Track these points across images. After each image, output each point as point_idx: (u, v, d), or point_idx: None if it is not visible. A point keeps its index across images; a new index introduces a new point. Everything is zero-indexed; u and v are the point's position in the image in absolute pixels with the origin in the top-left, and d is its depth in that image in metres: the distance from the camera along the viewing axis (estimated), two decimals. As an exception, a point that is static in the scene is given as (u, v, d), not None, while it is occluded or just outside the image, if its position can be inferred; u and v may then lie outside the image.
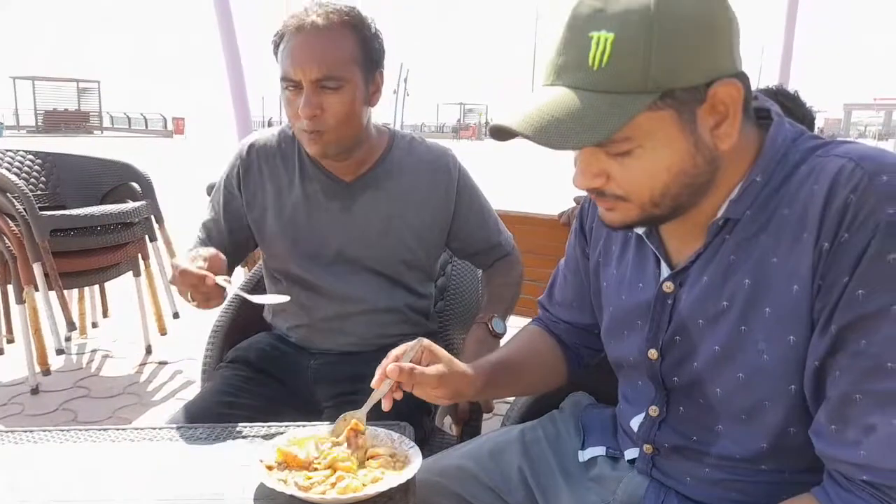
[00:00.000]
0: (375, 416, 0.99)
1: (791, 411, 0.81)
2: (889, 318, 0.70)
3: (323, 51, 1.30)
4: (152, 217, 3.28)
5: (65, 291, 2.92)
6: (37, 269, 2.78)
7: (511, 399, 1.40)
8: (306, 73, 1.30)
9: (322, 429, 1.03)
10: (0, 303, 3.10)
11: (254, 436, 1.08)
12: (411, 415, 1.08)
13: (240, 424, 1.12)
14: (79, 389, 2.98)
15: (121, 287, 3.65)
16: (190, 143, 31.68)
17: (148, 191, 3.29)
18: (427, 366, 0.97)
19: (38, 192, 3.19)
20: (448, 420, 1.52)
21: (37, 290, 2.82)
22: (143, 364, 3.31)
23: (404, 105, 38.87)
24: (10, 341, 3.29)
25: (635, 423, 1.00)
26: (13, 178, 2.81)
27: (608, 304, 1.04)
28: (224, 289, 1.17)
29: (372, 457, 0.96)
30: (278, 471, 0.92)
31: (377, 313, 1.51)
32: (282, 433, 1.03)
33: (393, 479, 0.89)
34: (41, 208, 2.84)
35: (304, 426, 1.06)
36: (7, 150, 3.22)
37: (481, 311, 1.53)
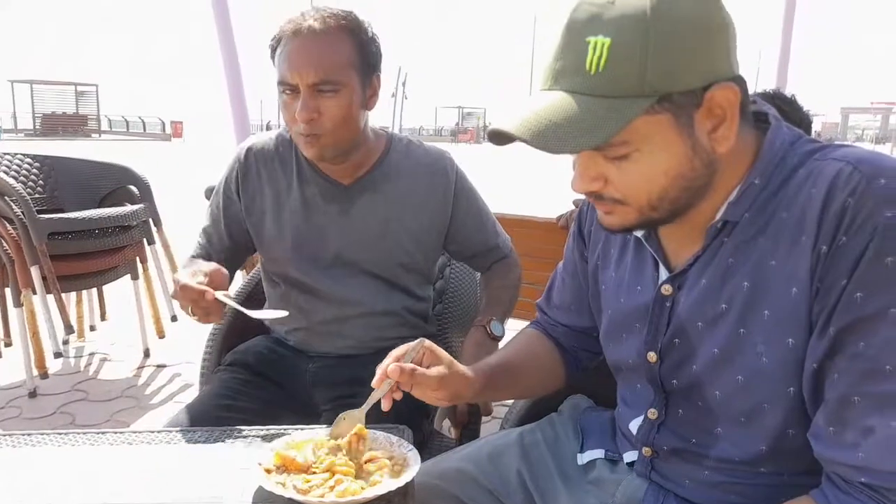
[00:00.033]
0: (374, 418, 0.98)
1: (790, 414, 0.81)
2: (887, 321, 0.70)
3: (320, 55, 1.31)
4: (150, 220, 3.27)
5: (62, 295, 2.91)
6: (34, 272, 2.77)
7: (510, 402, 1.40)
8: (303, 77, 1.30)
9: (321, 432, 1.03)
10: (-3, 306, 3.10)
11: (252, 437, 1.08)
12: (410, 418, 1.08)
13: (238, 427, 1.12)
14: (77, 393, 2.98)
15: (119, 290, 3.64)
16: (188, 147, 31.68)
17: (146, 194, 3.29)
18: (428, 367, 0.96)
19: (36, 196, 3.19)
20: (447, 423, 1.52)
21: (34, 293, 2.81)
22: (141, 367, 3.30)
23: (402, 109, 38.90)
24: (8, 345, 3.29)
25: (634, 425, 1.00)
26: (11, 181, 2.81)
27: (607, 307, 1.04)
28: (224, 304, 1.18)
29: (370, 460, 0.95)
30: (277, 474, 0.92)
31: (375, 316, 1.51)
32: (280, 436, 1.03)
33: (391, 482, 0.89)
34: (39, 211, 2.83)
35: (302, 429, 1.06)
36: (5, 154, 3.22)
37: (480, 313, 1.53)
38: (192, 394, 2.84)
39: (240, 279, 1.97)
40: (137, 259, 3.28)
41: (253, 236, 1.55)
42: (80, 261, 2.98)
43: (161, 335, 3.52)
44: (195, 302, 1.17)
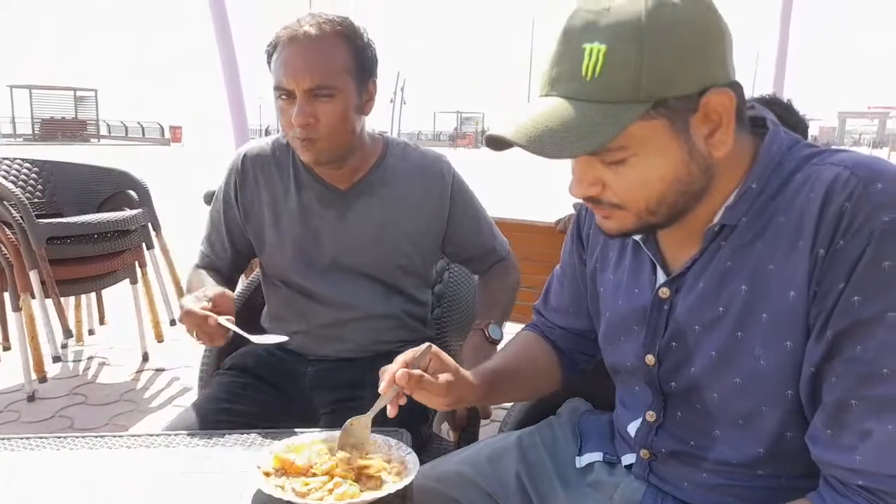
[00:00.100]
0: (374, 421, 0.98)
1: (788, 416, 0.81)
2: (884, 325, 0.70)
3: (316, 61, 1.32)
4: (149, 225, 3.28)
5: (61, 299, 2.91)
6: (33, 276, 2.77)
7: (508, 405, 1.41)
8: (299, 83, 1.31)
9: (319, 435, 1.03)
10: (-4, 310, 3.10)
11: (251, 442, 1.08)
12: (409, 421, 1.08)
13: (237, 431, 1.12)
14: (75, 396, 2.98)
15: (118, 294, 3.64)
16: (187, 152, 31.68)
17: (145, 199, 3.29)
18: (434, 373, 0.96)
19: (35, 200, 3.19)
20: (445, 426, 1.52)
21: (33, 297, 2.81)
22: (139, 371, 3.30)
23: (401, 114, 38.95)
24: (7, 349, 3.28)
25: (632, 428, 1.00)
26: (10, 186, 2.81)
27: (605, 310, 1.04)
28: (228, 329, 1.21)
29: (365, 468, 0.95)
30: (276, 477, 0.92)
31: (374, 320, 1.52)
32: (279, 440, 1.03)
33: (390, 485, 0.89)
34: (38, 216, 2.83)
35: (301, 432, 1.06)
36: (4, 159, 3.22)
37: (477, 317, 1.53)
38: (191, 397, 2.83)
39: (239, 283, 1.97)
40: (136, 263, 3.28)
41: (253, 242, 1.55)
42: (78, 265, 2.97)
43: (160, 339, 3.51)
44: (199, 326, 1.20)
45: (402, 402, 0.95)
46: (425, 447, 1.42)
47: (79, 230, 2.90)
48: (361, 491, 0.89)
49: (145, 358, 3.43)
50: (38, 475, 0.98)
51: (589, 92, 0.75)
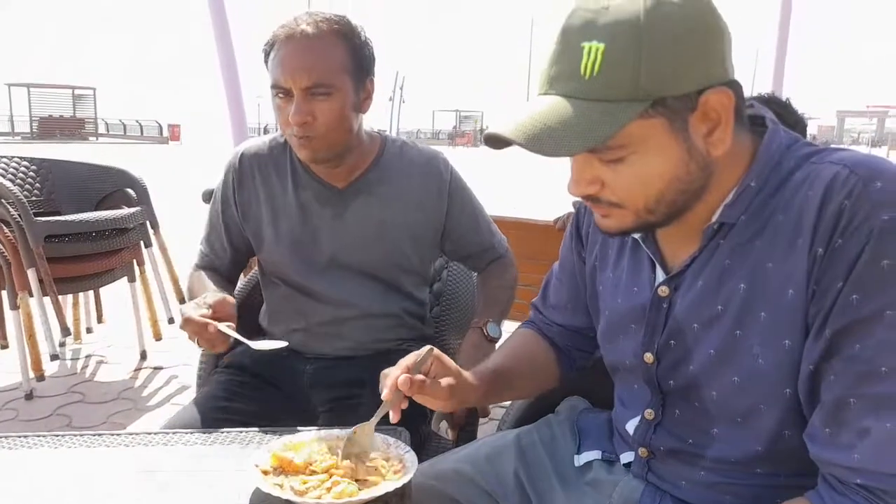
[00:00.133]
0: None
1: (786, 415, 0.82)
2: (883, 323, 0.70)
3: (313, 59, 1.31)
4: (147, 223, 3.27)
5: (59, 297, 2.91)
6: (31, 274, 2.77)
7: (507, 403, 1.40)
8: (297, 81, 1.31)
9: (317, 433, 1.03)
10: (-6, 308, 3.09)
11: (249, 440, 1.08)
12: (408, 420, 1.08)
13: (235, 429, 1.12)
14: (73, 395, 2.97)
15: (116, 292, 3.64)
16: (185, 150, 31.66)
17: (143, 197, 3.29)
18: (436, 376, 0.96)
19: (33, 198, 3.19)
20: (444, 425, 1.52)
21: (31, 295, 2.81)
22: (137, 369, 3.30)
23: (400, 112, 38.94)
24: (5, 347, 3.27)
25: (631, 426, 1.00)
26: (8, 184, 2.81)
27: (604, 308, 1.04)
28: (228, 335, 1.21)
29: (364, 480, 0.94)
30: (274, 475, 0.92)
31: (373, 318, 1.52)
32: (277, 438, 1.03)
33: (389, 483, 0.89)
34: (36, 214, 2.83)
35: (299, 431, 1.06)
36: (2, 157, 3.22)
37: (476, 315, 1.53)
38: (189, 396, 2.83)
39: (239, 281, 1.97)
40: (134, 262, 3.28)
41: (251, 240, 1.55)
42: (76, 263, 2.97)
43: (158, 337, 3.51)
44: (199, 334, 1.20)
45: (405, 406, 0.94)
46: (424, 446, 1.42)
47: (77, 228, 2.90)
48: (360, 489, 0.89)
49: (143, 356, 3.43)
50: (36, 473, 0.98)
51: (587, 90, 0.75)
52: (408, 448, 0.98)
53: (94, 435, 1.08)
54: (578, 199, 0.87)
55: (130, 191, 3.29)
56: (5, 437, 1.07)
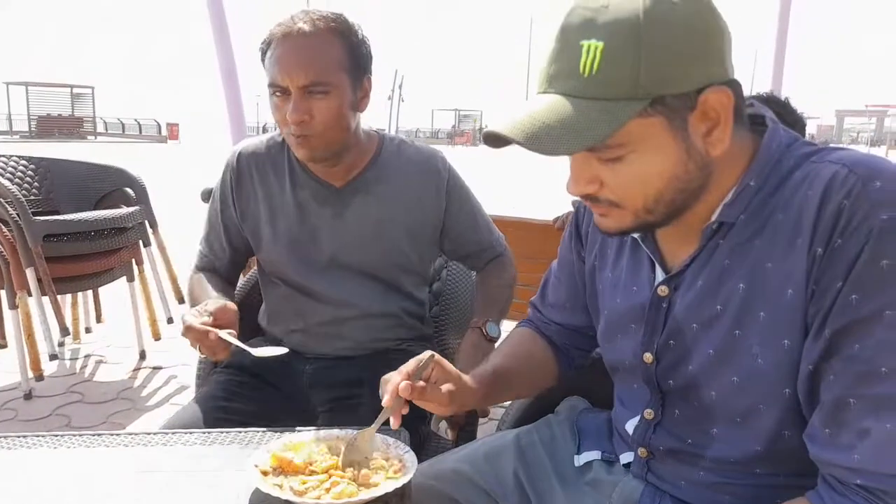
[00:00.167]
0: (372, 421, 0.98)
1: (785, 415, 0.81)
2: (882, 323, 0.70)
3: (310, 57, 1.31)
4: (146, 222, 3.27)
5: (58, 297, 2.90)
6: (30, 274, 2.77)
7: (506, 403, 1.40)
8: (294, 80, 1.31)
9: (317, 433, 1.03)
10: (-7, 308, 3.09)
11: (249, 441, 1.08)
12: (407, 420, 1.08)
13: (235, 429, 1.12)
14: (72, 395, 2.97)
15: (114, 292, 3.63)
16: (184, 149, 31.64)
17: (142, 196, 3.29)
18: (436, 382, 0.96)
19: (32, 198, 3.18)
20: (443, 425, 1.52)
21: (30, 295, 2.81)
22: (136, 369, 3.30)
23: (399, 111, 38.93)
24: (3, 346, 3.27)
25: (630, 426, 1.00)
26: (6, 183, 2.80)
27: (603, 308, 1.04)
28: (229, 343, 1.22)
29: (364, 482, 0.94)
30: (273, 476, 0.92)
31: (372, 318, 1.51)
32: (277, 438, 1.03)
33: (388, 483, 0.89)
34: (34, 213, 2.83)
35: (299, 431, 1.06)
36: (0, 156, 3.21)
37: (475, 315, 1.53)
38: (189, 396, 2.84)
39: (238, 282, 1.97)
40: (133, 261, 3.28)
41: (250, 240, 1.55)
42: (75, 263, 2.97)
43: (157, 337, 3.51)
44: (201, 341, 1.21)
45: (405, 411, 0.94)
46: (423, 446, 1.42)
47: (75, 227, 2.90)
48: (359, 489, 0.89)
49: (142, 356, 3.43)
50: (35, 474, 0.97)
51: (586, 89, 0.75)
52: (407, 448, 0.98)
53: (94, 435, 1.08)
54: (577, 198, 0.87)
55: (129, 190, 3.29)
56: (4, 437, 1.07)
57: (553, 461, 1.10)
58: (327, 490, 0.88)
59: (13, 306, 2.81)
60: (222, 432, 1.11)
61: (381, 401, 0.95)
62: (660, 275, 0.93)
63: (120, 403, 2.90)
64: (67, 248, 2.90)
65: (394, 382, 0.93)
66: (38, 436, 1.08)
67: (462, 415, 1.40)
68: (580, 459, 1.08)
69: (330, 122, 1.35)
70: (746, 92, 0.87)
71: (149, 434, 1.09)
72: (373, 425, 0.97)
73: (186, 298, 1.57)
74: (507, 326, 1.49)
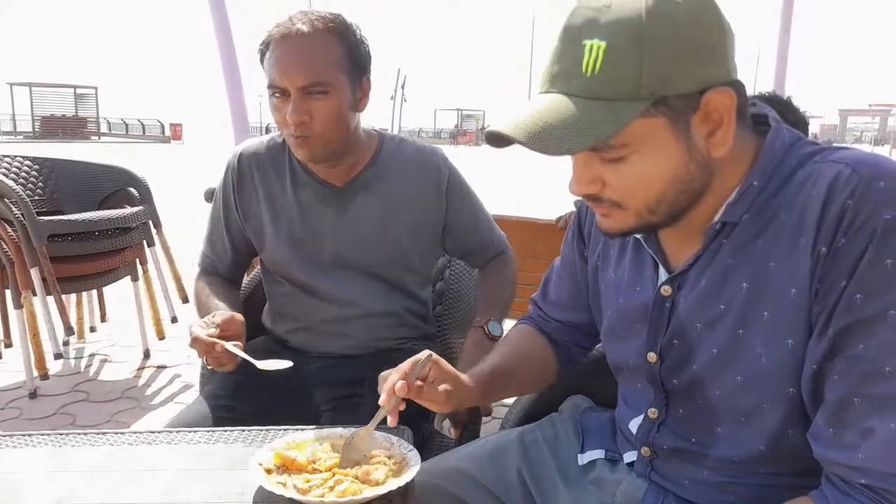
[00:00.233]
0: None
1: (789, 414, 0.81)
2: (887, 322, 0.70)
3: (309, 58, 1.31)
4: (150, 222, 3.27)
5: (63, 296, 2.91)
6: (34, 273, 2.78)
7: (510, 402, 1.41)
8: (293, 81, 1.31)
9: (320, 432, 1.03)
10: (-2, 308, 3.10)
11: (252, 439, 1.08)
12: (410, 419, 1.09)
13: (238, 428, 1.12)
14: (77, 393, 2.98)
15: (119, 292, 3.64)
16: (187, 149, 31.67)
17: (146, 196, 3.29)
18: (434, 381, 0.97)
19: (36, 198, 3.19)
20: (447, 423, 1.52)
21: (35, 294, 2.82)
22: (141, 368, 3.30)
23: (401, 111, 38.92)
24: (8, 346, 3.28)
25: (634, 425, 1.00)
26: (11, 183, 2.81)
27: (606, 308, 1.04)
28: (236, 354, 1.22)
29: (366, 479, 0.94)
30: (277, 474, 0.92)
31: (375, 317, 1.52)
32: (281, 436, 1.03)
33: (392, 482, 0.89)
34: (39, 213, 2.84)
35: (302, 429, 1.06)
36: (4, 156, 3.22)
37: (477, 313, 1.54)
38: (193, 394, 2.84)
39: (242, 283, 1.97)
40: (137, 261, 3.29)
41: (253, 240, 1.55)
42: (80, 262, 2.98)
43: (161, 336, 3.52)
44: (207, 352, 1.21)
45: (402, 407, 0.95)
46: (427, 444, 1.42)
47: (80, 227, 2.90)
48: (363, 488, 0.89)
49: (147, 355, 3.43)
50: (39, 472, 0.98)
51: (589, 89, 0.75)
52: (410, 446, 0.98)
53: (98, 433, 1.08)
54: (580, 198, 0.87)
55: (133, 190, 3.30)
56: (9, 435, 1.08)
57: (556, 460, 1.10)
58: (331, 488, 0.88)
59: (18, 306, 2.83)
60: (226, 431, 1.11)
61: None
62: (663, 275, 0.93)
63: (124, 402, 2.90)
64: (72, 247, 2.91)
65: (391, 381, 0.94)
66: (42, 434, 1.08)
67: (465, 413, 1.41)
68: (584, 458, 1.08)
69: (329, 123, 1.35)
70: (749, 91, 0.87)
71: (153, 433, 1.10)
72: (369, 424, 0.98)
73: (192, 303, 1.57)
74: (509, 325, 1.49)
